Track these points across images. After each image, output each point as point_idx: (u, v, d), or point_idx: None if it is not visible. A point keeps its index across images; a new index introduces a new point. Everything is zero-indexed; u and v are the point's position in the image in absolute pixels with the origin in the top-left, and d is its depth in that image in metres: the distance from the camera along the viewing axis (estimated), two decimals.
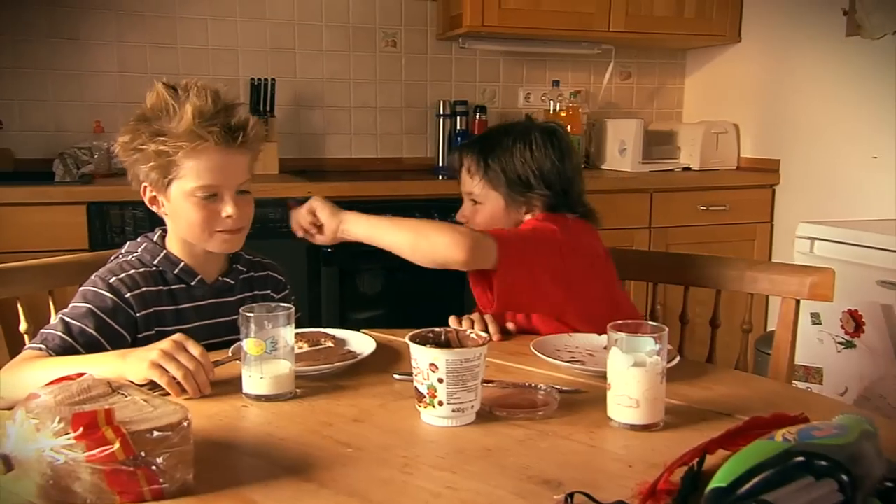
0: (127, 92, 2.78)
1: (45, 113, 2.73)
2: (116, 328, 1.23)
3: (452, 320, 1.36)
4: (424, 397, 0.97)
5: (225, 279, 1.35)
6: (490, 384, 1.08)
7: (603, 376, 1.03)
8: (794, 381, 1.72)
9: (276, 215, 2.32)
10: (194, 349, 1.06)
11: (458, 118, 3.08)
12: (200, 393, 1.05)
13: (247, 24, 2.90)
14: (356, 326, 1.38)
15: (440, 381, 0.95)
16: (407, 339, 0.98)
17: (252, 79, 2.82)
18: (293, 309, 1.07)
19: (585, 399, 1.06)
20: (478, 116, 3.12)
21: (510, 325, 1.41)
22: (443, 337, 1.03)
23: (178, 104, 1.23)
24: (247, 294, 1.38)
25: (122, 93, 2.78)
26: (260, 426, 0.98)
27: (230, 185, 1.25)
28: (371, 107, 3.10)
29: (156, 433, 0.75)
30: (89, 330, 1.20)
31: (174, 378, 1.03)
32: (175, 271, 1.30)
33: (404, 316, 2.70)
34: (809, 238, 2.26)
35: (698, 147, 3.08)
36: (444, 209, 2.58)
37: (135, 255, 1.31)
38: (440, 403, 0.96)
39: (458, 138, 3.08)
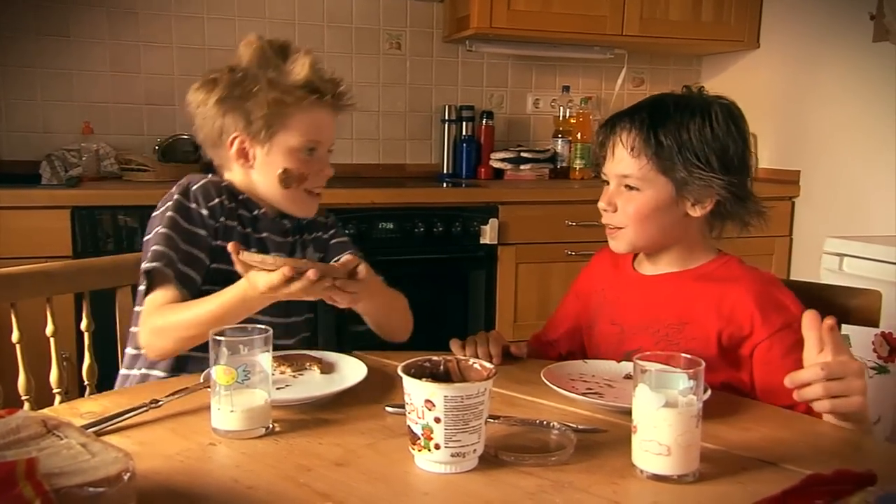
0: (119, 92, 2.67)
1: (33, 113, 2.61)
2: (201, 243, 1.22)
3: (454, 344, 1.22)
4: (419, 439, 0.83)
5: (283, 221, 1.35)
6: (495, 420, 0.95)
7: (624, 412, 0.90)
8: None
9: None
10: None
11: (464, 123, 2.97)
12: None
13: (245, 23, 2.78)
14: (354, 341, 1.27)
15: (437, 420, 0.81)
16: (400, 371, 0.85)
17: None
18: (270, 332, 0.94)
19: (605, 440, 0.92)
20: (484, 122, 3.00)
21: (514, 349, 1.26)
22: (441, 367, 0.89)
23: (280, 60, 1.25)
24: (305, 236, 1.38)
25: (113, 93, 2.67)
26: (226, 470, 0.84)
27: (327, 145, 1.31)
28: (373, 111, 2.98)
29: (89, 489, 0.62)
30: (183, 247, 1.20)
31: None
32: (239, 198, 1.30)
33: None
34: (838, 254, 2.11)
35: None
36: (447, 218, 2.45)
37: (202, 178, 1.29)
38: (437, 447, 0.82)
39: (464, 145, 2.96)
